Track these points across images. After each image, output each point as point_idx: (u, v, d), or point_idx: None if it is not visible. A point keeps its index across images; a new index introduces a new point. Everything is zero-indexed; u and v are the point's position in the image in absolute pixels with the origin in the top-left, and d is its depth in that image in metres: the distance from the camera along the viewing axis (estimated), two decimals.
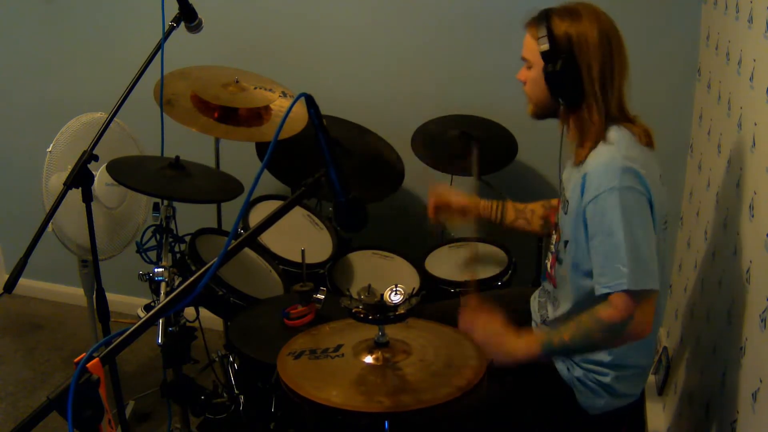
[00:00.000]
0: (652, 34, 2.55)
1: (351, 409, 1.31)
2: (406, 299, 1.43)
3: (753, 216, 1.62)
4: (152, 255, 2.33)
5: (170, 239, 2.34)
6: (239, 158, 2.68)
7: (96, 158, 1.95)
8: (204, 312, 2.30)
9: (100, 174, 2.31)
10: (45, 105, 3.28)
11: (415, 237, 2.91)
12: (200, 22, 2.22)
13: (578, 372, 1.75)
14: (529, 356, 1.65)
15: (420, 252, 2.66)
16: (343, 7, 2.87)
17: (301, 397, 1.33)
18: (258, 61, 2.87)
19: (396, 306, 1.42)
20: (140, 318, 1.20)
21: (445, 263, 2.59)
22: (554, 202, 2.01)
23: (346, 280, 2.51)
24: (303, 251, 2.14)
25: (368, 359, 1.43)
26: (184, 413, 2.36)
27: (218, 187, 2.38)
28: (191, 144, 2.50)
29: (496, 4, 2.71)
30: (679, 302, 2.46)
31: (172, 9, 2.16)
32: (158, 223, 2.32)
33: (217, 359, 2.31)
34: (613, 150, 1.61)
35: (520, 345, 1.66)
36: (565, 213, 1.72)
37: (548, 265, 1.86)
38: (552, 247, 1.84)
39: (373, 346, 1.44)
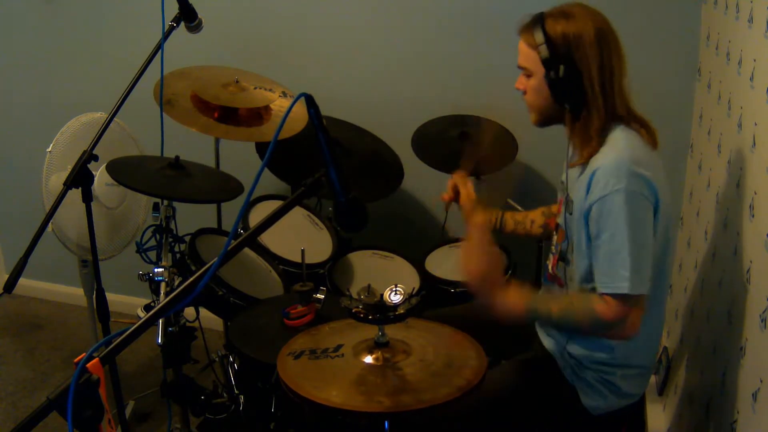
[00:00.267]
0: (652, 34, 2.54)
1: (351, 409, 1.31)
2: (406, 299, 1.43)
3: (753, 216, 1.62)
4: (152, 255, 2.33)
5: (170, 239, 2.34)
6: (239, 158, 2.68)
7: (96, 158, 1.95)
8: (204, 312, 2.30)
9: (100, 174, 2.31)
10: (45, 105, 3.28)
11: (415, 237, 2.91)
12: (200, 22, 2.22)
13: (584, 372, 1.75)
14: (512, 312, 1.66)
15: (420, 252, 2.66)
16: (343, 8, 2.87)
17: (301, 397, 1.33)
18: (258, 61, 2.87)
19: (396, 306, 1.42)
20: (140, 318, 1.20)
21: (445, 263, 2.59)
22: (554, 208, 2.01)
23: (346, 280, 2.51)
24: (303, 251, 2.14)
25: (368, 359, 1.43)
26: (184, 413, 2.36)
27: (218, 187, 2.38)
28: (191, 144, 2.50)
29: (496, 4, 2.70)
30: (679, 302, 2.46)
31: (172, 9, 2.16)
32: (158, 223, 2.32)
33: (217, 359, 2.31)
34: (620, 151, 1.61)
35: (508, 298, 1.67)
36: (570, 213, 1.71)
37: (549, 266, 1.86)
38: (553, 248, 1.84)
39: (373, 346, 1.44)
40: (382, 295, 1.43)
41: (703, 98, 2.46)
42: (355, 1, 2.86)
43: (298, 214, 2.66)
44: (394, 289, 1.44)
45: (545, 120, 1.75)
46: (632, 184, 1.56)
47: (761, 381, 1.41)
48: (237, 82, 2.44)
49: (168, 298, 1.22)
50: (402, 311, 1.42)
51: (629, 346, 1.70)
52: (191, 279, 1.22)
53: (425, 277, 2.52)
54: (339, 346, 1.48)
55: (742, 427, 1.52)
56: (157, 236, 2.33)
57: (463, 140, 2.62)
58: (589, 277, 1.66)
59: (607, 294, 1.58)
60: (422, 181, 2.90)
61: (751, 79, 1.75)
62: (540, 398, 1.80)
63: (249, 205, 2.59)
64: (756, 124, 1.69)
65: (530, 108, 1.76)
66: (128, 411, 2.75)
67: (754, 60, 1.75)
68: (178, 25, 2.18)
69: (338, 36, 2.92)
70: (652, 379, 2.47)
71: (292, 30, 2.94)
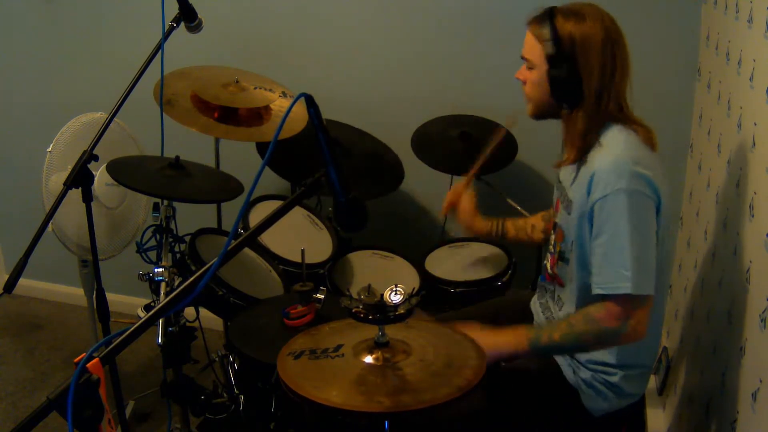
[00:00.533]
0: (652, 34, 2.54)
1: (351, 409, 1.30)
2: (406, 299, 1.43)
3: (753, 216, 1.62)
4: (152, 255, 2.34)
5: (170, 239, 2.34)
6: (239, 158, 2.68)
7: (96, 158, 1.95)
8: (204, 312, 2.30)
9: (100, 174, 2.31)
10: (45, 105, 3.28)
11: (415, 237, 2.92)
12: (200, 22, 2.22)
13: (585, 374, 1.75)
14: (517, 352, 1.66)
15: (420, 252, 2.66)
16: (343, 8, 2.87)
17: (301, 397, 1.33)
18: (258, 61, 2.87)
19: (396, 306, 1.42)
20: (140, 318, 1.20)
21: (445, 263, 2.59)
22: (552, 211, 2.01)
23: (346, 280, 2.51)
24: (303, 251, 2.14)
25: (368, 359, 1.42)
26: (184, 413, 2.36)
27: (218, 187, 2.38)
28: (191, 144, 2.50)
29: (496, 4, 2.71)
30: (679, 302, 2.46)
31: (172, 9, 2.16)
32: (158, 223, 2.32)
33: (217, 359, 2.31)
34: (620, 151, 1.60)
35: (508, 339, 1.67)
36: (569, 213, 1.71)
37: (548, 266, 1.86)
38: (551, 247, 1.84)
39: (373, 346, 1.44)
40: (382, 295, 1.43)
41: (702, 98, 2.46)
42: (355, 1, 2.86)
43: (298, 214, 2.66)
44: (394, 289, 1.44)
45: (541, 113, 1.76)
46: (634, 183, 1.56)
47: (761, 381, 1.41)
48: (237, 82, 2.44)
49: (168, 298, 1.22)
50: (402, 311, 1.42)
51: (629, 348, 1.70)
52: (191, 279, 1.22)
53: (425, 277, 2.52)
54: (339, 346, 1.48)
55: (741, 427, 1.52)
56: (157, 236, 2.33)
57: (463, 140, 2.62)
58: (588, 277, 1.66)
59: (607, 295, 1.57)
60: (422, 181, 2.90)
61: (751, 79, 1.75)
62: (541, 400, 1.80)
63: (249, 205, 2.59)
64: (756, 124, 1.69)
65: (528, 99, 1.76)
66: (128, 411, 2.75)
67: (754, 60, 1.75)
68: (178, 25, 2.18)
69: (338, 36, 2.92)
70: (652, 379, 2.48)
71: (292, 30, 2.94)
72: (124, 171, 2.20)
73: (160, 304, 1.22)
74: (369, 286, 1.46)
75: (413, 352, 1.45)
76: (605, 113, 1.65)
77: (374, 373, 1.40)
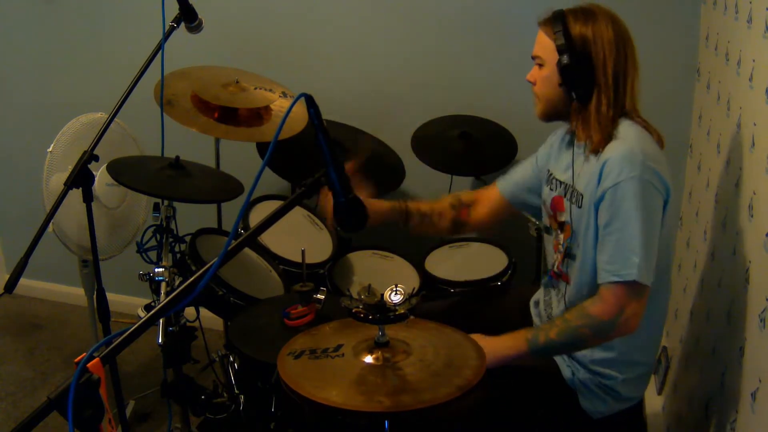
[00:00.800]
0: (652, 34, 2.54)
1: (351, 409, 1.31)
2: (406, 299, 1.44)
3: (752, 216, 1.62)
4: (152, 255, 2.34)
5: (170, 239, 2.34)
6: (239, 158, 2.68)
7: (96, 158, 1.96)
8: (204, 312, 2.30)
9: (100, 174, 2.31)
10: (45, 105, 3.28)
11: (415, 237, 2.91)
12: (200, 23, 2.22)
13: (583, 375, 1.75)
14: (517, 355, 1.66)
15: (420, 252, 2.66)
16: (343, 8, 2.87)
17: (301, 397, 1.33)
18: (258, 61, 2.87)
19: (396, 306, 1.42)
20: (140, 318, 1.21)
21: (445, 263, 2.60)
22: (464, 197, 1.99)
23: (346, 280, 2.52)
24: (303, 251, 2.13)
25: (368, 359, 1.43)
26: (184, 413, 2.36)
27: (218, 187, 2.38)
28: (191, 144, 2.51)
29: (496, 4, 2.70)
30: (678, 302, 2.46)
31: (172, 9, 2.16)
32: (158, 223, 2.32)
33: (217, 359, 2.31)
34: (632, 143, 1.61)
35: (507, 343, 1.67)
36: (579, 207, 1.71)
37: (555, 265, 1.84)
38: (560, 246, 1.82)
39: (373, 346, 1.45)
40: (382, 295, 1.43)
41: (702, 98, 2.46)
42: (355, 1, 2.86)
43: (298, 214, 2.66)
44: (394, 289, 1.44)
45: (550, 112, 1.76)
46: (646, 174, 1.57)
47: (760, 381, 1.41)
48: (237, 82, 2.44)
49: (168, 298, 1.22)
50: (402, 311, 1.42)
51: (629, 345, 1.70)
52: (191, 279, 1.22)
53: (425, 277, 2.52)
54: (339, 346, 1.48)
55: (741, 426, 1.52)
56: (158, 236, 2.33)
57: (463, 140, 2.62)
58: (592, 270, 1.66)
59: (610, 283, 1.57)
60: (422, 182, 2.90)
61: (750, 79, 1.75)
62: (539, 401, 1.80)
63: (249, 205, 2.59)
64: (755, 124, 1.69)
65: (538, 99, 1.77)
66: (128, 411, 2.75)
67: (753, 60, 1.75)
68: (178, 25, 2.18)
69: (338, 36, 2.92)
70: (652, 379, 2.48)
71: (292, 30, 2.95)
72: (124, 171, 2.20)
73: (161, 304, 1.22)
74: (369, 286, 1.46)
75: (413, 352, 1.45)
76: (623, 104, 1.66)
77: (374, 373, 1.40)
